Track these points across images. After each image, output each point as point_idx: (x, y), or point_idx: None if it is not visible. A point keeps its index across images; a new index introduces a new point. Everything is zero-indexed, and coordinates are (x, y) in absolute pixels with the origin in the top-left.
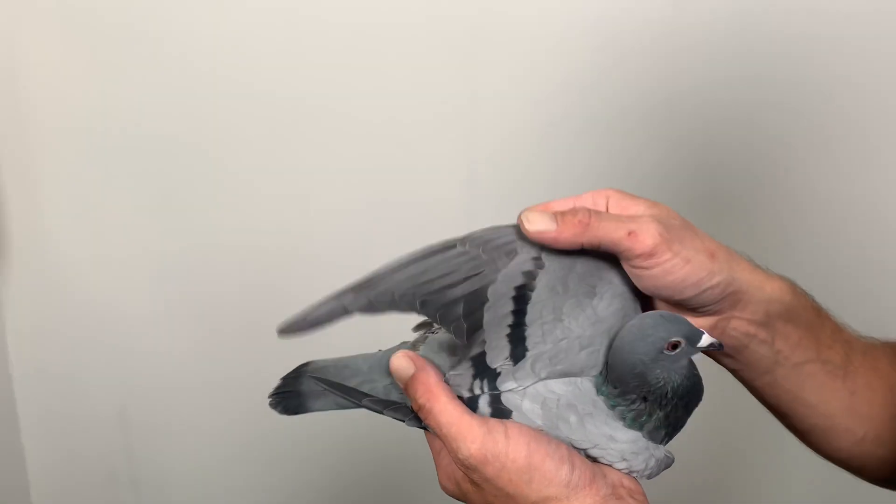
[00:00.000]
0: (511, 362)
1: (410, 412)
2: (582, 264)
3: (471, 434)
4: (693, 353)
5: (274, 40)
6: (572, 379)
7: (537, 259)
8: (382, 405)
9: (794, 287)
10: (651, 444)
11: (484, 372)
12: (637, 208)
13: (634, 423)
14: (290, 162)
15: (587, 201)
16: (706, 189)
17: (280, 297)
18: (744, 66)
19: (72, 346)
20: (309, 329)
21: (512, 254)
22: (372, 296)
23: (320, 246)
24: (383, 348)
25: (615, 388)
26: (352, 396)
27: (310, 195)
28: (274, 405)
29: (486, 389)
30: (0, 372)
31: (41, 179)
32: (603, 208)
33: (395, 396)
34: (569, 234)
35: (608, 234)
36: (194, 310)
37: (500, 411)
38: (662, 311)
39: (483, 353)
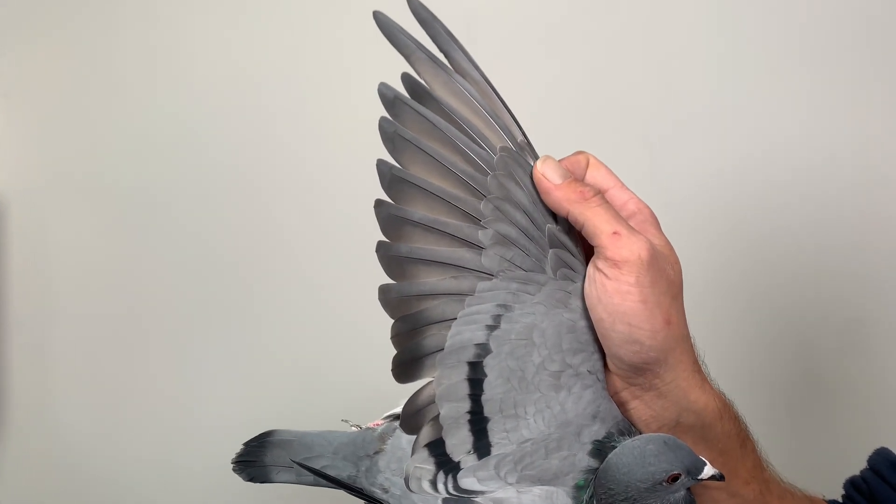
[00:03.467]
0: (475, 456)
1: None
2: (541, 350)
3: None
4: (691, 484)
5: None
6: (548, 491)
7: (490, 328)
8: (360, 493)
9: (723, 410)
10: None
11: (447, 463)
12: (658, 236)
13: None
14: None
15: (624, 199)
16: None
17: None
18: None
19: None
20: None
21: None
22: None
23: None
24: (351, 420)
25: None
26: (327, 481)
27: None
28: (238, 471)
29: (450, 489)
30: None
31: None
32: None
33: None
34: (561, 196)
35: (596, 222)
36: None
37: None
38: (664, 435)
39: (441, 441)
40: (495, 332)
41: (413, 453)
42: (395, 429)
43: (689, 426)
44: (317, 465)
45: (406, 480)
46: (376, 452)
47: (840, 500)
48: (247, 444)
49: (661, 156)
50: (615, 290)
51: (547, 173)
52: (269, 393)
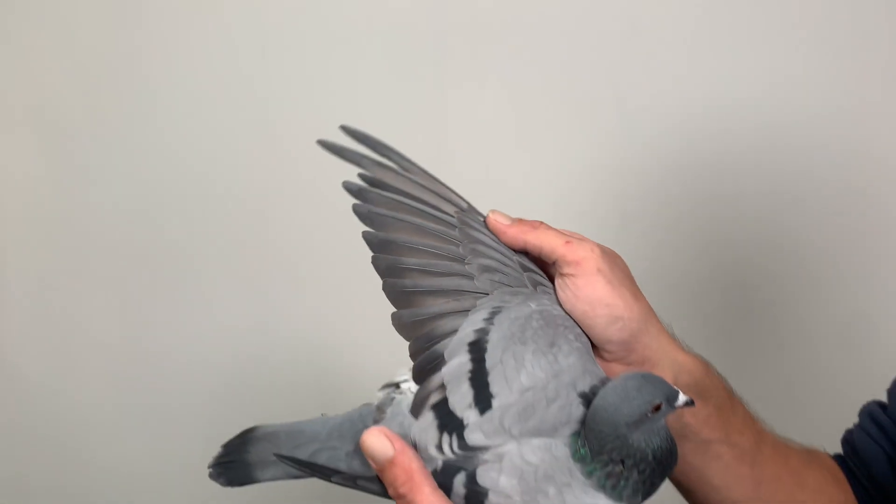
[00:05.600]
0: (477, 410)
1: (384, 490)
2: (536, 321)
3: None
4: (670, 413)
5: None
6: (547, 443)
7: (488, 319)
8: (353, 480)
9: (707, 367)
10: None
11: (450, 423)
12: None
13: (614, 491)
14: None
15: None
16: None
17: (248, 403)
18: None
19: (25, 454)
20: (354, 140)
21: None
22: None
23: (292, 342)
24: (329, 413)
25: (592, 451)
26: (319, 472)
27: (276, 288)
28: (215, 476)
29: (455, 448)
30: None
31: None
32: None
33: (358, 466)
34: (516, 231)
35: (549, 240)
36: (153, 419)
37: (476, 493)
38: (639, 371)
39: (445, 400)
40: (495, 317)
41: (417, 417)
42: (392, 398)
43: (686, 386)
44: (308, 451)
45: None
46: (376, 422)
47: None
48: (226, 445)
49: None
50: (585, 283)
51: (498, 219)
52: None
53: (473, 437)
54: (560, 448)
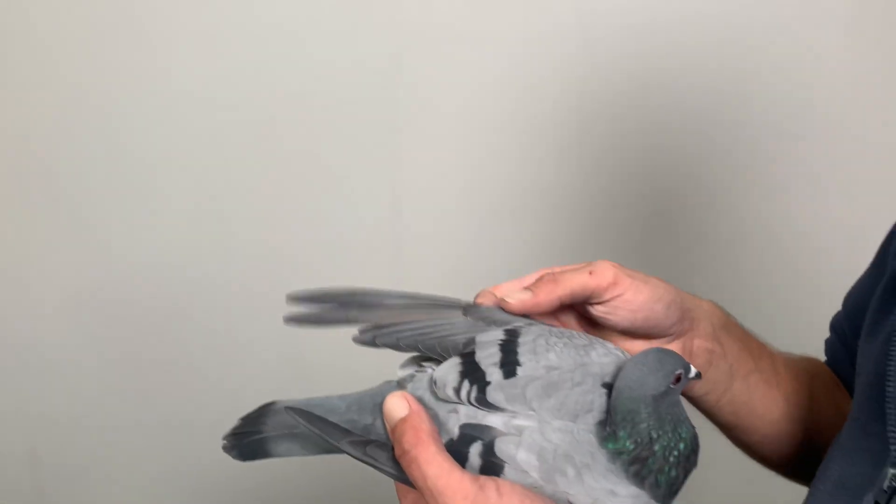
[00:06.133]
0: (501, 372)
1: (392, 459)
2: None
3: (461, 490)
4: (685, 386)
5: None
6: (569, 426)
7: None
8: (363, 445)
9: (719, 306)
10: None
11: (472, 373)
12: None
13: (636, 477)
14: (212, 192)
15: (534, 276)
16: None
17: (198, 332)
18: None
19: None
20: (311, 303)
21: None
22: (378, 337)
23: (242, 276)
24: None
25: (618, 432)
26: (330, 434)
27: (232, 225)
28: (229, 448)
29: (472, 399)
30: None
31: None
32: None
33: (373, 436)
34: (545, 295)
35: (574, 280)
36: (108, 346)
37: (492, 464)
38: (653, 347)
39: (472, 353)
40: (522, 329)
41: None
42: (413, 375)
43: (721, 327)
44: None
45: (433, 383)
46: None
47: None
48: (244, 418)
49: None
50: (631, 294)
51: (521, 296)
52: None
53: (495, 395)
54: (583, 433)
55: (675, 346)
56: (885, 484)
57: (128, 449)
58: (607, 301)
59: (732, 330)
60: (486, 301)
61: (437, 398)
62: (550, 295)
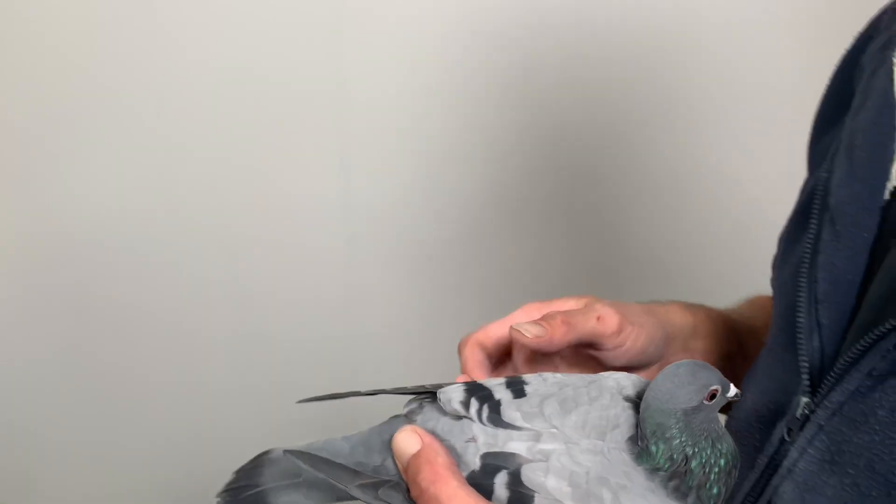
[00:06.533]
0: (510, 391)
1: (409, 500)
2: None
3: None
4: (722, 405)
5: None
6: (597, 445)
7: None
8: (375, 488)
9: (684, 305)
10: None
11: (479, 391)
12: (570, 304)
13: (677, 492)
14: (160, 153)
15: (525, 314)
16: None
17: (149, 289)
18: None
19: None
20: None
21: None
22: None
23: (190, 240)
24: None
25: (650, 449)
26: (338, 478)
27: (179, 188)
28: None
29: (485, 415)
30: None
31: None
32: (538, 316)
33: (385, 476)
34: (560, 334)
35: (584, 325)
36: (56, 306)
37: (521, 496)
38: (688, 360)
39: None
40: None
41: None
42: (423, 406)
43: (687, 338)
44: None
45: (438, 400)
46: None
47: None
48: (238, 472)
49: None
50: (632, 342)
51: (536, 331)
52: None
53: (510, 413)
54: (614, 451)
55: (654, 370)
56: (798, 412)
57: (81, 414)
58: (609, 347)
59: (700, 329)
60: (526, 329)
61: (451, 429)
62: (565, 336)
